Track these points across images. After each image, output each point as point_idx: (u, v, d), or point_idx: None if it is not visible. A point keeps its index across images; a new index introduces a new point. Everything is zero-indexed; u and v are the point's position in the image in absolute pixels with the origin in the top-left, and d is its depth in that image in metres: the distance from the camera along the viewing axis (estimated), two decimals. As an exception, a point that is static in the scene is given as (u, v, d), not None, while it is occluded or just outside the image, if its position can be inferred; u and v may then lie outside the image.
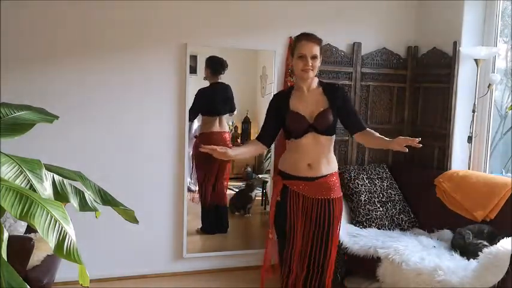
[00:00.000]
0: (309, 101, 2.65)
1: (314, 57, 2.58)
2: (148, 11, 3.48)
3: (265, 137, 2.73)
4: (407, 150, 2.40)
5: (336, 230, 2.71)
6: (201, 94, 3.90)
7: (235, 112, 4.15)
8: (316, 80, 2.70)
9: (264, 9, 3.73)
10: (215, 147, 2.47)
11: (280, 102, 2.71)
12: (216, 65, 3.94)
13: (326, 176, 2.66)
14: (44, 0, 3.27)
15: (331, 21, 3.84)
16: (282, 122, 2.68)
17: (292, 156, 2.68)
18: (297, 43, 2.62)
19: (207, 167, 4.06)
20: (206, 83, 3.97)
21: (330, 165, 2.69)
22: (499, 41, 3.71)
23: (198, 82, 3.86)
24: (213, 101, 4.05)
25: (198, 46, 3.67)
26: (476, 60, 3.53)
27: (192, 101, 3.77)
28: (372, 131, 2.66)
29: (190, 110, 3.73)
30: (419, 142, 2.34)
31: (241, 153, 2.77)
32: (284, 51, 3.80)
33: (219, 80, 3.98)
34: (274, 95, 2.92)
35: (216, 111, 4.06)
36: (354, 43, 3.95)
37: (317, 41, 2.62)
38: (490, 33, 3.69)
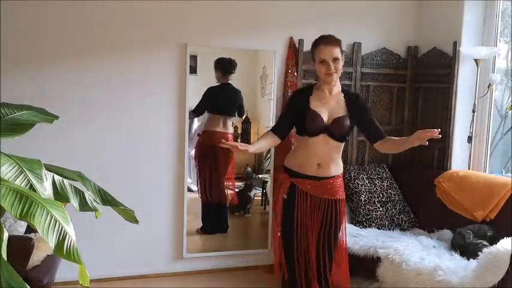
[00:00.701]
0: (330, 104, 2.64)
1: (335, 60, 2.55)
2: (149, 11, 3.48)
3: (280, 130, 2.69)
4: (427, 143, 2.41)
5: (340, 231, 2.72)
6: (210, 92, 3.92)
7: (243, 117, 4.17)
8: (339, 84, 2.70)
9: (264, 9, 3.73)
10: (237, 143, 2.47)
11: (300, 99, 2.68)
12: (225, 66, 3.94)
13: (334, 177, 2.68)
14: (44, 0, 3.27)
15: (331, 21, 3.83)
16: (299, 118, 2.64)
17: (302, 154, 2.67)
18: (316, 48, 2.59)
19: (209, 166, 4.06)
20: (208, 84, 3.95)
21: (338, 168, 2.71)
22: (499, 41, 3.71)
23: (198, 82, 3.86)
24: (220, 100, 4.05)
25: (198, 46, 3.67)
26: (476, 60, 3.53)
27: (198, 99, 3.80)
28: (390, 137, 2.68)
29: (196, 107, 3.75)
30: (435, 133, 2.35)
31: (261, 147, 2.75)
32: (284, 51, 3.80)
33: (230, 81, 3.98)
34: (295, 91, 2.91)
35: (222, 111, 4.05)
36: (354, 43, 3.94)
37: (336, 42, 2.58)
38: (490, 33, 3.69)
